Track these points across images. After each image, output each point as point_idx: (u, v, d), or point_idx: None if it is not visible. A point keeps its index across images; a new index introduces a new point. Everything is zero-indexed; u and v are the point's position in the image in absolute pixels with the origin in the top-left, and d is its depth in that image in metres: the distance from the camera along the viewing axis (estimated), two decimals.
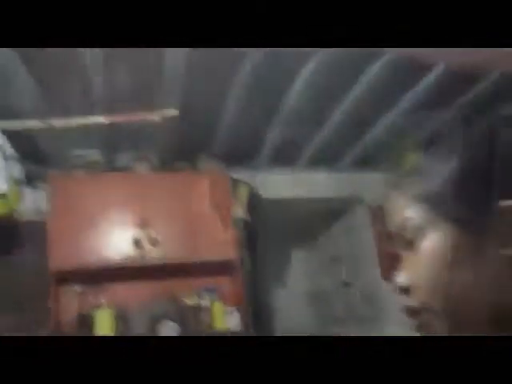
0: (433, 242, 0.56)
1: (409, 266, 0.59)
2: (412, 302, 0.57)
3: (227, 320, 2.72)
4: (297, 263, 4.62)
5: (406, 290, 0.58)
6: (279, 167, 3.61)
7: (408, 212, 0.58)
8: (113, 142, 3.05)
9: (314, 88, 2.53)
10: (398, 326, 2.46)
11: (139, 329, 2.26)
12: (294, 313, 4.35)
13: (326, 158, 3.60)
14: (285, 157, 3.51)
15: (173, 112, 2.61)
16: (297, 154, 3.53)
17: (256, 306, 2.99)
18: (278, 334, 4.27)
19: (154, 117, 2.68)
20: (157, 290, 2.77)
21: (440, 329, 0.55)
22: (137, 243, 2.76)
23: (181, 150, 3.15)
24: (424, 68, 2.47)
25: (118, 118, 2.67)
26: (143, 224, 2.82)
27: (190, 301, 2.75)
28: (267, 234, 4.19)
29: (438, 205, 0.56)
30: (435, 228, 0.56)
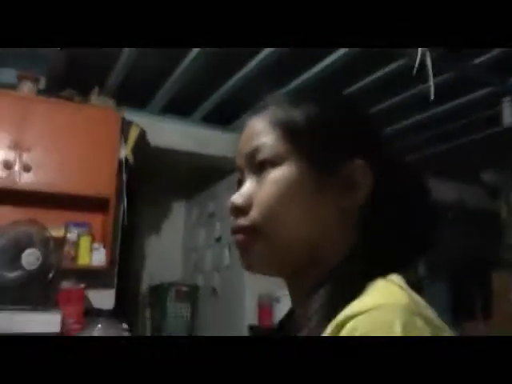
0: (280, 171, 0.60)
1: (250, 188, 0.61)
2: (243, 221, 0.60)
3: (93, 256, 2.71)
4: (176, 215, 4.69)
5: (239, 209, 0.61)
6: (172, 117, 3.60)
7: (265, 137, 0.61)
8: (1, 53, 2.81)
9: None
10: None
11: (29, 255, 2.18)
12: (163, 261, 4.44)
13: (220, 117, 3.67)
14: (180, 108, 3.51)
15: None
16: (192, 108, 3.54)
17: (125, 246, 3.01)
18: (144, 277, 4.35)
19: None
20: (23, 216, 2.65)
21: (259, 250, 0.60)
22: (7, 165, 2.62)
23: (73, 78, 3.00)
24: None
25: None
26: (18, 147, 2.67)
27: (56, 232, 2.68)
28: (150, 180, 4.18)
29: (295, 137, 0.60)
30: (286, 160, 0.60)
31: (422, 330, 0.47)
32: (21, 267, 2.20)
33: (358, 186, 0.60)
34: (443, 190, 4.90)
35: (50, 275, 2.28)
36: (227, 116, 3.66)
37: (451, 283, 4.28)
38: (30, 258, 2.27)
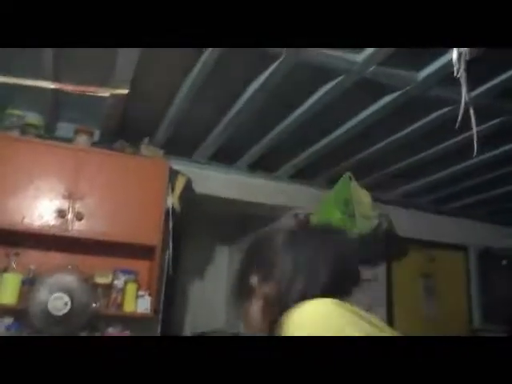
0: None
1: None
2: None
3: (138, 303, 2.76)
4: (220, 261, 4.72)
5: None
6: (217, 165, 3.69)
7: None
8: (56, 109, 3.01)
9: (267, 94, 2.60)
10: None
11: (42, 297, 2.24)
12: (206, 308, 4.44)
13: (266, 166, 3.73)
14: (225, 157, 3.60)
15: (123, 91, 2.62)
16: (238, 156, 3.63)
17: (169, 293, 3.04)
18: (187, 325, 4.35)
19: (104, 92, 2.68)
20: (72, 263, 2.76)
21: None
22: (61, 213, 2.75)
23: (124, 131, 3.16)
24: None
25: (67, 87, 2.65)
26: (71, 196, 2.80)
27: (104, 279, 2.76)
28: (194, 227, 4.26)
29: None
30: None
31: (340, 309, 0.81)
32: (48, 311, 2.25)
33: None
34: (496, 237, 4.72)
35: (82, 320, 2.31)
36: (270, 164, 3.73)
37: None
38: (57, 303, 2.31)
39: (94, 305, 2.51)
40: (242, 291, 0.98)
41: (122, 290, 2.79)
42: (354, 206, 3.57)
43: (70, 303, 2.25)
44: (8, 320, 2.53)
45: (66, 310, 2.23)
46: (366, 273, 3.86)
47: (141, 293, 2.80)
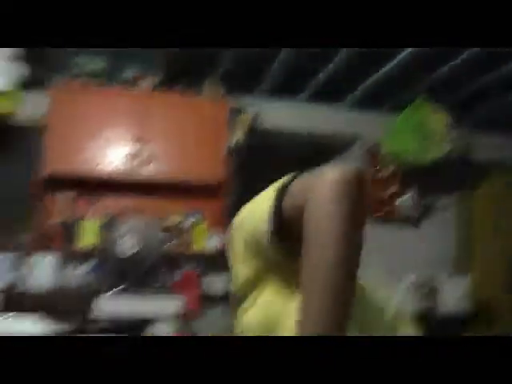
0: None
1: None
2: None
3: (207, 241, 2.86)
4: None
5: None
6: (281, 98, 3.60)
7: None
8: (119, 54, 3.03)
9: None
10: None
11: (115, 240, 2.38)
12: None
13: (330, 95, 3.58)
14: (289, 88, 3.50)
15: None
16: (300, 87, 3.51)
17: None
18: None
19: None
20: (144, 206, 2.89)
21: None
22: (131, 158, 2.85)
23: (185, 72, 3.14)
24: None
25: None
26: (139, 140, 2.88)
27: (173, 220, 2.87)
28: (262, 163, 4.26)
29: None
30: None
31: None
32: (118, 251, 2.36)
33: None
34: None
35: (151, 260, 2.42)
36: (336, 93, 3.57)
37: None
38: (126, 244, 2.43)
39: (164, 245, 2.63)
40: None
41: (192, 230, 2.90)
42: (428, 131, 3.37)
43: (137, 244, 2.36)
44: (91, 263, 2.73)
45: (134, 251, 2.35)
46: (439, 201, 3.69)
47: (210, 231, 2.89)
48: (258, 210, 0.77)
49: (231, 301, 0.91)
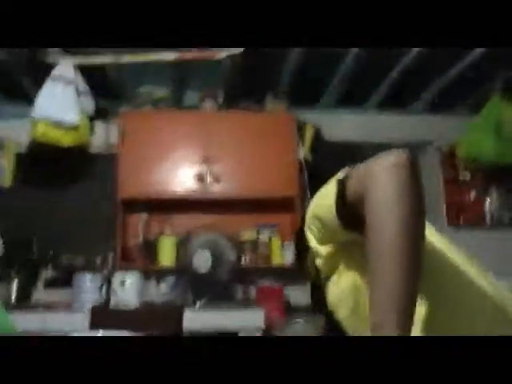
0: None
1: None
2: None
3: (284, 255, 2.78)
4: None
5: None
6: (345, 109, 3.51)
7: None
8: (181, 79, 3.10)
9: None
10: None
11: (190, 257, 2.36)
12: None
13: (395, 101, 3.45)
14: (353, 98, 3.41)
15: (237, 50, 2.60)
16: (365, 96, 3.40)
17: None
18: None
19: (221, 55, 2.68)
20: (217, 223, 2.87)
21: None
22: (200, 178, 2.85)
23: (247, 89, 3.14)
24: None
25: (187, 55, 2.70)
26: (207, 160, 2.90)
27: (248, 235, 2.84)
28: (330, 175, 4.14)
29: None
30: None
31: None
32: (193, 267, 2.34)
33: None
34: None
35: (226, 275, 2.38)
36: (402, 99, 3.43)
37: None
38: (201, 260, 2.39)
39: (239, 260, 2.59)
40: None
41: (268, 244, 2.84)
42: (507, 129, 3.14)
43: (211, 260, 2.33)
44: (171, 280, 2.74)
45: (208, 266, 2.32)
46: None
47: (286, 244, 2.82)
48: (326, 199, 0.81)
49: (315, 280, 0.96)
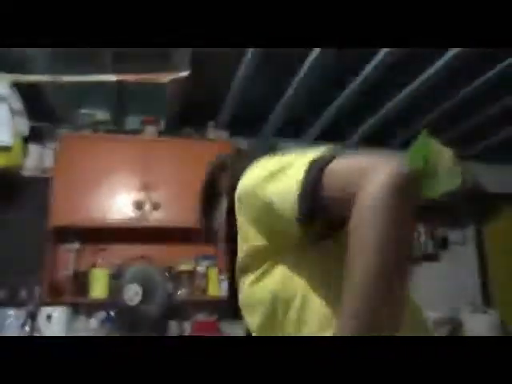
0: None
1: None
2: None
3: (222, 287, 2.76)
4: None
5: None
6: (284, 140, 3.59)
7: None
8: (122, 103, 3.04)
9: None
10: None
11: (121, 289, 2.29)
12: None
13: (332, 136, 3.58)
14: (291, 131, 3.49)
15: (182, 74, 2.58)
16: (303, 129, 3.50)
17: None
18: None
19: (164, 78, 2.66)
20: (153, 253, 2.80)
21: None
22: (138, 205, 2.79)
23: (189, 117, 3.14)
24: None
25: (128, 77, 2.66)
26: (146, 187, 2.84)
27: (185, 266, 2.79)
28: None
29: None
30: None
31: None
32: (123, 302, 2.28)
33: None
34: None
35: (159, 309, 2.32)
36: (338, 134, 3.57)
37: None
38: (130, 294, 2.33)
39: (175, 293, 2.54)
40: None
41: (205, 276, 2.80)
42: (435, 164, 3.34)
43: (141, 293, 2.26)
44: (101, 314, 2.62)
45: (137, 300, 2.25)
46: (453, 236, 3.64)
47: (223, 277, 2.80)
48: (284, 180, 0.69)
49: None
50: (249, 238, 0.78)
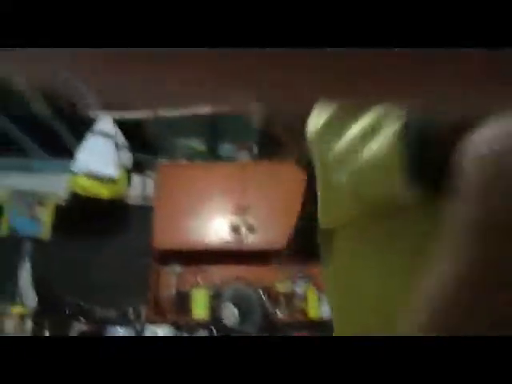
0: None
1: None
2: None
3: (322, 307, 2.68)
4: None
5: None
6: None
7: None
8: (216, 131, 3.16)
9: None
10: None
11: (220, 310, 2.29)
12: None
13: None
14: None
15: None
16: None
17: None
18: None
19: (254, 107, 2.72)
20: (250, 275, 2.82)
21: None
22: (235, 229, 2.83)
23: (280, 140, 3.16)
24: None
25: (222, 109, 2.76)
26: (242, 211, 2.88)
27: (283, 287, 2.76)
28: None
29: None
30: None
31: None
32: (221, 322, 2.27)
33: None
34: None
35: (256, 329, 2.28)
36: None
37: None
38: (228, 314, 2.31)
39: (272, 313, 2.50)
40: None
41: (304, 297, 2.75)
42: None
43: (237, 313, 2.25)
44: (203, 333, 2.66)
45: (234, 320, 2.24)
46: None
47: (321, 297, 2.73)
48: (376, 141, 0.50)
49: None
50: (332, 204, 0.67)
